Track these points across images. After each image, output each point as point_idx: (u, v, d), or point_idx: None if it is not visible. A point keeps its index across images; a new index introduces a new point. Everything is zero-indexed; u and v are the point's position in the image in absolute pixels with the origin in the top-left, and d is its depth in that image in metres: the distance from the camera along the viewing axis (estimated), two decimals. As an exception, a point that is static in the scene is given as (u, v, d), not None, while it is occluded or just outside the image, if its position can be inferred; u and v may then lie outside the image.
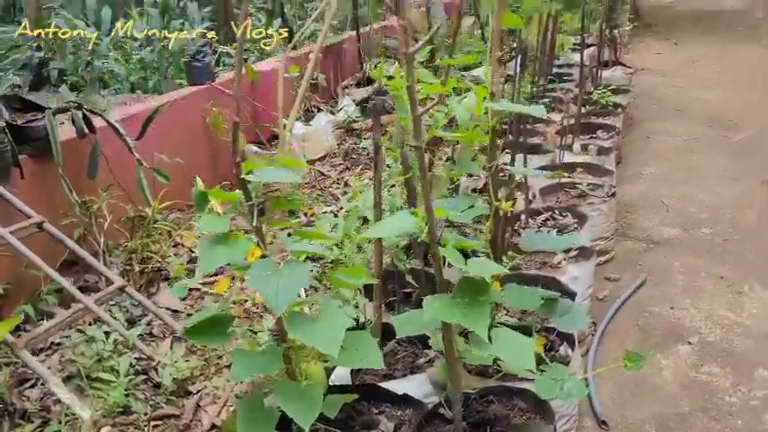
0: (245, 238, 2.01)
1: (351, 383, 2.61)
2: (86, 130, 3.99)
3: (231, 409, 2.89)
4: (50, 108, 3.87)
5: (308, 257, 3.87)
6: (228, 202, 2.10)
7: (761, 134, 6.77)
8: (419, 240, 2.98)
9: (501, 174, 2.66)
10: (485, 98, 2.48)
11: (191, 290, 3.94)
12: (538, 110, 2.34)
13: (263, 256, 2.00)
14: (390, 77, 2.87)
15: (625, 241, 4.57)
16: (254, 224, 2.01)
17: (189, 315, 3.67)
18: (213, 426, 2.80)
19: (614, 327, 3.57)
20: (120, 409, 2.85)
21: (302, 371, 2.19)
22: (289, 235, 3.58)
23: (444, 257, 2.05)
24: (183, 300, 3.83)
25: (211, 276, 3.98)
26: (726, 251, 4.39)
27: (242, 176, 1.97)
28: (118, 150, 4.08)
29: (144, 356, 3.21)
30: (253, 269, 1.92)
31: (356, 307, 3.01)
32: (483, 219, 2.93)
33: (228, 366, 3.18)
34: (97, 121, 4.10)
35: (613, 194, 4.35)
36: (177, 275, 3.60)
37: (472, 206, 2.38)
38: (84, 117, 4.01)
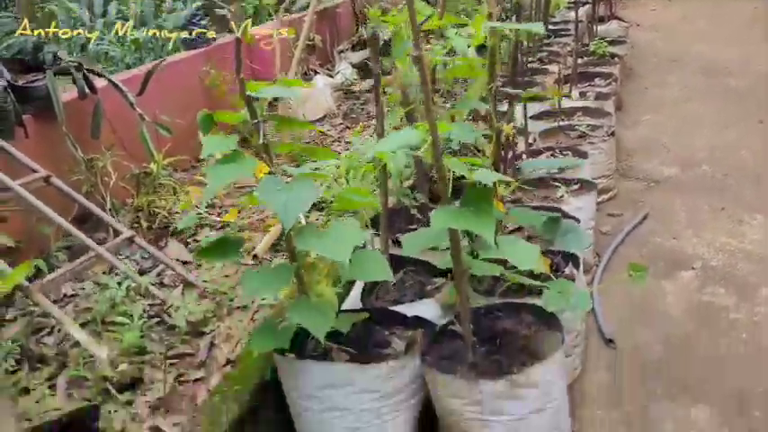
0: (250, 156, 2.05)
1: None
2: (87, 90, 4.02)
3: (245, 345, 2.95)
4: (51, 68, 3.90)
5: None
6: (233, 122, 2.13)
7: (755, 82, 6.79)
8: (427, 173, 3.03)
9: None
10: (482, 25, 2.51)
11: (198, 242, 3.99)
12: (536, 26, 2.37)
13: (269, 173, 2.04)
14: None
15: (626, 181, 4.62)
16: (260, 141, 2.04)
17: (198, 266, 3.72)
18: (228, 361, 2.85)
19: (618, 258, 3.62)
20: (136, 350, 2.91)
21: (315, 292, 2.24)
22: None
23: (449, 172, 2.09)
24: (192, 251, 3.88)
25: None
26: (725, 186, 4.43)
27: (247, 93, 2.00)
28: (119, 110, 4.12)
29: (156, 303, 3.26)
30: (261, 185, 1.97)
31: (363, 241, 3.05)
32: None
33: (240, 308, 3.23)
34: (98, 83, 4.13)
35: (612, 134, 4.38)
36: (185, 208, 3.61)
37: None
38: (85, 77, 4.04)
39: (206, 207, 4.35)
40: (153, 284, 3.41)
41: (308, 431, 2.34)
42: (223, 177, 1.98)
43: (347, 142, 5.62)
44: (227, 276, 3.49)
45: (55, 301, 3.35)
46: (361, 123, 5.95)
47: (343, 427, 2.27)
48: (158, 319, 3.15)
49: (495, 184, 2.15)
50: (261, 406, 2.35)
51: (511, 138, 2.81)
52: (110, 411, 2.60)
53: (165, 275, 3.59)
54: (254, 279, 2.05)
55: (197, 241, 4.00)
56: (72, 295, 3.43)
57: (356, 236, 2.00)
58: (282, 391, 2.41)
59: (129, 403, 2.67)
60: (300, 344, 2.31)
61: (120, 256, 3.60)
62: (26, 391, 2.75)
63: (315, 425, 2.30)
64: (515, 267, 2.25)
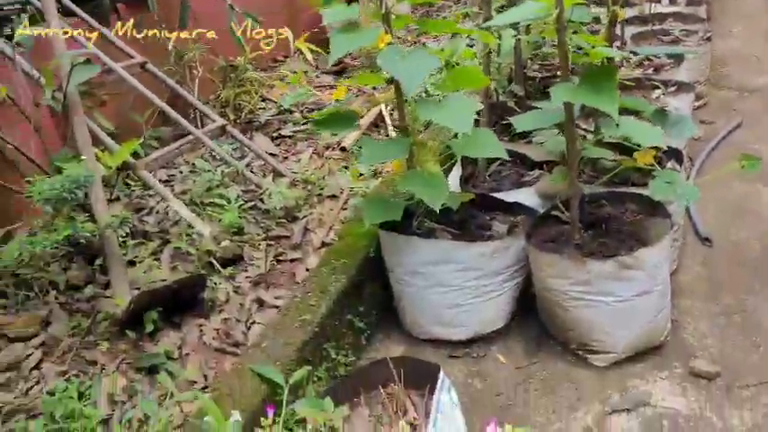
0: (373, 25, 2.03)
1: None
2: (175, -20, 4.02)
3: (338, 230, 3.01)
4: (140, -43, 3.90)
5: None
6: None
7: None
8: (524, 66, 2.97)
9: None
10: None
11: (283, 137, 4.04)
12: None
13: (389, 44, 2.03)
14: None
15: (718, 90, 4.46)
16: (381, 11, 2.02)
17: (285, 158, 3.78)
18: (323, 244, 2.93)
19: (711, 163, 3.53)
20: (234, 230, 3.00)
21: (424, 169, 2.25)
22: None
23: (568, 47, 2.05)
24: (278, 145, 3.93)
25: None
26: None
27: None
28: (205, 4, 4.11)
29: (249, 189, 3.34)
30: (383, 54, 1.96)
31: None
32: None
33: (329, 197, 3.29)
34: (184, -27, 4.12)
35: (709, 39, 4.21)
36: (294, 82, 3.62)
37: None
38: (172, -33, 4.04)
39: (289, 105, 4.38)
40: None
41: (409, 305, 2.41)
42: (345, 46, 1.97)
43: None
44: (314, 168, 3.55)
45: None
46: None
47: (445, 303, 2.32)
48: (253, 203, 3.24)
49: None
50: (365, 280, 2.42)
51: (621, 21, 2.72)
52: (215, 283, 2.71)
53: (254, 166, 3.66)
54: (373, 147, 2.09)
55: (281, 136, 4.05)
56: (166, 181, 3.54)
57: (473, 107, 1.99)
58: (384, 268, 2.47)
59: (232, 277, 2.79)
60: (403, 223, 2.34)
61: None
62: (132, 263, 2.88)
63: (417, 300, 2.37)
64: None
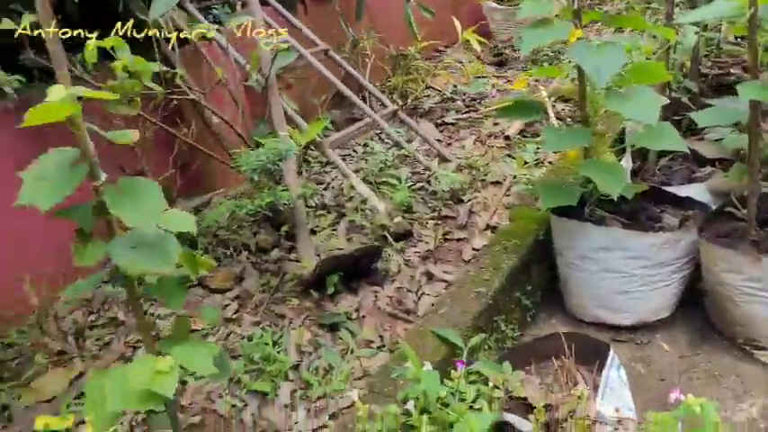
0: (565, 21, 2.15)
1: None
2: (354, -27, 4.30)
3: (502, 214, 3.16)
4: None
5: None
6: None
7: None
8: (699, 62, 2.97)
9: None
10: None
11: (446, 123, 4.23)
12: None
13: (579, 38, 2.14)
14: None
15: None
16: (573, 7, 2.14)
17: (448, 144, 3.97)
18: (488, 226, 3.09)
19: None
20: (404, 208, 3.23)
21: (600, 159, 2.36)
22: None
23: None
24: (441, 131, 4.13)
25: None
26: None
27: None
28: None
29: (417, 171, 3.56)
30: (574, 48, 2.08)
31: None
32: None
33: (493, 183, 3.44)
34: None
35: None
36: (472, 72, 3.75)
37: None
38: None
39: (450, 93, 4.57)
40: (408, 157, 3.72)
41: (576, 288, 2.52)
42: (537, 39, 2.11)
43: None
44: (478, 155, 3.71)
45: (327, 163, 3.77)
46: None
47: (613, 289, 2.42)
48: (420, 184, 3.45)
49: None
50: (533, 261, 2.56)
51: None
52: (388, 255, 2.95)
53: (420, 150, 3.87)
54: (555, 135, 2.22)
55: (445, 123, 4.25)
56: (343, 158, 3.82)
57: (659, 101, 2.07)
58: (551, 251, 2.60)
59: (402, 251, 3.01)
60: (575, 210, 2.45)
61: (376, 131, 3.93)
62: (313, 231, 3.17)
63: (585, 283, 2.48)
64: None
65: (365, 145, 3.84)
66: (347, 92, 3.56)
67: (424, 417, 1.69)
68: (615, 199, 2.14)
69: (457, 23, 4.36)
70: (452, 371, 1.83)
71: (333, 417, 2.29)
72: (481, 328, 2.23)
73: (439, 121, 4.23)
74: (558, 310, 2.64)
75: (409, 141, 3.93)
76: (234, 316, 2.82)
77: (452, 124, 4.19)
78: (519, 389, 1.86)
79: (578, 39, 2.11)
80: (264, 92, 3.12)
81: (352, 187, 3.41)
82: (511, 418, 1.82)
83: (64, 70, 1.39)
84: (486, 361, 2.03)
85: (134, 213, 1.42)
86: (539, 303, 2.60)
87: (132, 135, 1.47)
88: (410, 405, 1.74)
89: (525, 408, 1.96)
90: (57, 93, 1.31)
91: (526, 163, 3.41)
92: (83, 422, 2.36)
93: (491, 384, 1.84)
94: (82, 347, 2.69)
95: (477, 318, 2.21)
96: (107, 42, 2.16)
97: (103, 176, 1.48)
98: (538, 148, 3.61)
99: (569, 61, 3.38)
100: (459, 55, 5.07)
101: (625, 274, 2.38)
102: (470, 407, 1.76)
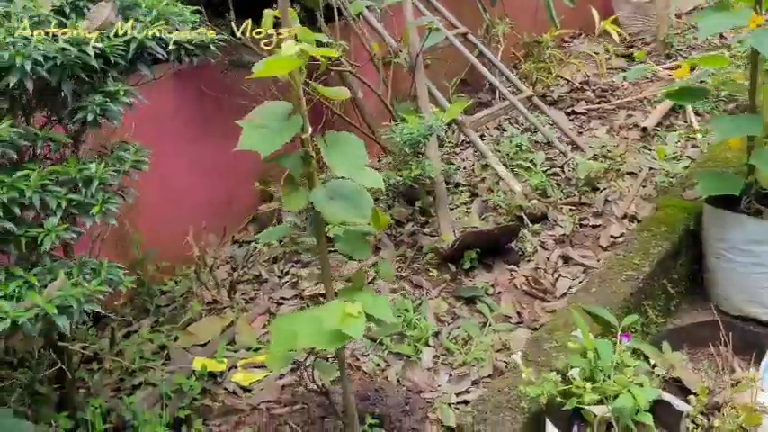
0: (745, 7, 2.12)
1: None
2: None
3: (639, 204, 3.14)
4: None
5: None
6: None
7: None
8: None
9: None
10: None
11: (576, 113, 4.21)
12: None
13: (759, 25, 2.11)
14: None
15: None
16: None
17: (579, 133, 3.95)
18: (625, 215, 3.08)
19: None
20: (540, 191, 3.26)
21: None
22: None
23: None
24: (572, 120, 4.12)
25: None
26: None
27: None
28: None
29: (552, 158, 3.57)
30: (755, 34, 2.05)
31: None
32: None
33: (630, 174, 3.41)
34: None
35: None
36: (640, 58, 3.68)
37: None
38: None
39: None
40: (537, 142, 3.73)
41: (723, 281, 2.49)
42: (715, 25, 2.10)
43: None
44: (612, 145, 3.68)
45: (462, 141, 3.83)
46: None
47: (762, 284, 2.38)
48: (555, 170, 3.47)
49: None
50: (681, 250, 2.54)
51: None
52: (523, 236, 2.99)
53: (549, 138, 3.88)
54: (724, 122, 2.20)
55: (575, 112, 4.22)
56: (481, 136, 3.86)
57: None
58: (699, 241, 2.58)
59: (537, 233, 3.04)
60: (728, 200, 2.42)
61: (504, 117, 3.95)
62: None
63: (733, 276, 2.44)
64: None
65: (498, 128, 3.88)
66: (489, 75, 3.60)
67: (588, 384, 1.73)
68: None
69: (595, 13, 4.34)
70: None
71: (475, 384, 2.36)
72: (630, 310, 2.24)
73: (569, 111, 4.20)
74: (699, 302, 2.60)
75: (527, 131, 3.94)
76: (373, 282, 2.94)
77: (583, 114, 4.17)
78: (677, 370, 1.87)
79: (758, 25, 2.08)
80: (411, 70, 3.21)
81: (484, 168, 3.47)
82: (669, 397, 1.84)
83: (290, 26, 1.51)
84: (639, 341, 2.05)
85: (344, 163, 1.53)
86: (682, 293, 2.58)
87: (344, 92, 1.57)
88: (573, 373, 1.78)
89: (677, 389, 1.97)
90: (290, 48, 1.43)
91: (666, 156, 3.36)
92: (234, 366, 2.55)
93: (652, 362, 1.86)
94: (232, 299, 2.86)
95: (628, 300, 2.22)
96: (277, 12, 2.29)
97: (309, 130, 1.60)
98: (677, 141, 3.56)
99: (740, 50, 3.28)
100: (587, 46, 5.01)
101: (777, 269, 2.34)
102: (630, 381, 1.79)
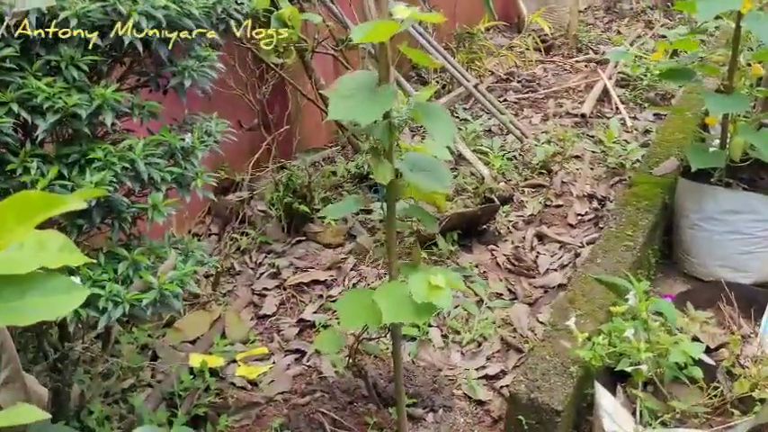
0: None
1: None
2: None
3: (592, 185, 3.32)
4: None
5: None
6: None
7: None
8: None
9: None
10: None
11: (507, 102, 4.36)
12: None
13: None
14: None
15: None
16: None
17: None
18: (584, 194, 3.24)
19: None
20: (502, 174, 3.35)
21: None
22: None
23: None
24: (506, 108, 4.26)
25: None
26: None
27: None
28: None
29: (506, 143, 3.68)
30: (748, 17, 2.24)
31: None
32: None
33: (576, 157, 3.58)
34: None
35: None
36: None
37: None
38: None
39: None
40: (489, 130, 3.84)
41: (697, 249, 2.67)
42: (713, 8, 2.24)
43: (618, 32, 5.68)
44: (551, 132, 3.85)
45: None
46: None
47: (737, 249, 2.59)
48: (512, 154, 3.57)
49: None
50: (659, 222, 2.70)
51: None
52: (495, 217, 3.06)
53: (492, 125, 3.99)
54: (716, 100, 2.36)
55: (507, 101, 4.37)
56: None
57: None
58: (670, 214, 2.76)
59: (506, 214, 3.13)
60: (698, 174, 2.61)
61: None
62: (413, 194, 3.25)
63: (707, 243, 2.63)
64: None
65: (453, 115, 3.93)
66: (447, 65, 3.63)
67: (642, 343, 1.81)
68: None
69: (523, 6, 4.52)
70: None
71: (489, 359, 2.39)
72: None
73: (501, 100, 4.34)
74: (672, 271, 2.78)
75: (476, 118, 4.04)
76: (355, 269, 2.89)
77: (515, 103, 4.32)
78: (698, 330, 2.00)
79: (749, 10, 2.26)
80: (375, 56, 3.18)
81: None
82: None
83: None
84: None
85: (438, 133, 1.50)
86: (659, 263, 2.75)
87: (437, 61, 1.54)
88: (628, 333, 1.85)
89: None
90: (401, 12, 1.38)
91: (614, 139, 3.58)
92: (234, 361, 2.41)
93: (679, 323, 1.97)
94: (215, 293, 2.71)
95: (631, 268, 2.34)
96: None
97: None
98: (622, 125, 3.82)
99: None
100: (502, 39, 5.20)
101: (750, 235, 2.55)
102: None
